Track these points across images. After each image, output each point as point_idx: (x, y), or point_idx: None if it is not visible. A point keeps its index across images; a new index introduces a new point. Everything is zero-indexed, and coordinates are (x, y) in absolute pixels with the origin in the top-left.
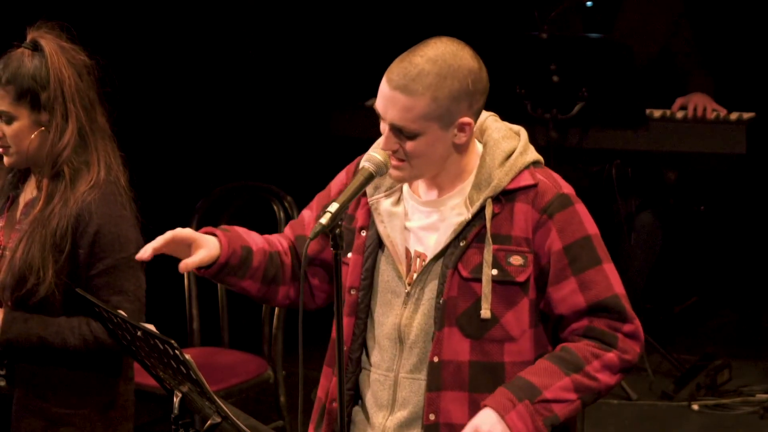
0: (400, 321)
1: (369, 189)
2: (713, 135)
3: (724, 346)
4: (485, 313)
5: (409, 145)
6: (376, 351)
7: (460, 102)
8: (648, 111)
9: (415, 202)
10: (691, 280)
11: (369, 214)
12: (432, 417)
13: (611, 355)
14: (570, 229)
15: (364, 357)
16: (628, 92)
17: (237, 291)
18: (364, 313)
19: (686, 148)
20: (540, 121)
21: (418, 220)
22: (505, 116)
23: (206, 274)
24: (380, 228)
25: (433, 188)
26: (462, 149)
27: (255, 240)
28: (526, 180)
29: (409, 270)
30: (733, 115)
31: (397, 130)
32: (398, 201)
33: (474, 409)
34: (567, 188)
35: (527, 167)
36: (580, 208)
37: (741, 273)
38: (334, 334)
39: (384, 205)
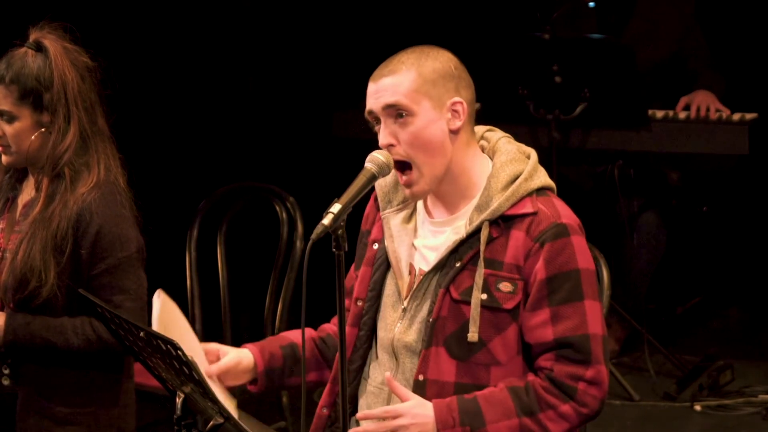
0: (393, 336)
1: (382, 203)
2: (716, 136)
3: (726, 346)
4: (472, 336)
5: (406, 132)
6: (375, 364)
7: (446, 81)
8: (650, 112)
9: (426, 220)
10: (694, 281)
11: (382, 228)
12: None
13: (567, 408)
14: (558, 260)
15: (366, 368)
16: (630, 93)
17: (315, 387)
18: (367, 325)
19: (689, 149)
20: (542, 121)
21: (426, 239)
22: (508, 117)
23: (260, 388)
24: (387, 243)
25: (444, 207)
26: (467, 151)
27: (298, 334)
28: (525, 207)
29: (411, 287)
30: (736, 116)
31: (391, 112)
32: (410, 217)
33: None
34: (568, 219)
35: (530, 194)
36: (577, 241)
37: (744, 274)
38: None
39: (394, 220)
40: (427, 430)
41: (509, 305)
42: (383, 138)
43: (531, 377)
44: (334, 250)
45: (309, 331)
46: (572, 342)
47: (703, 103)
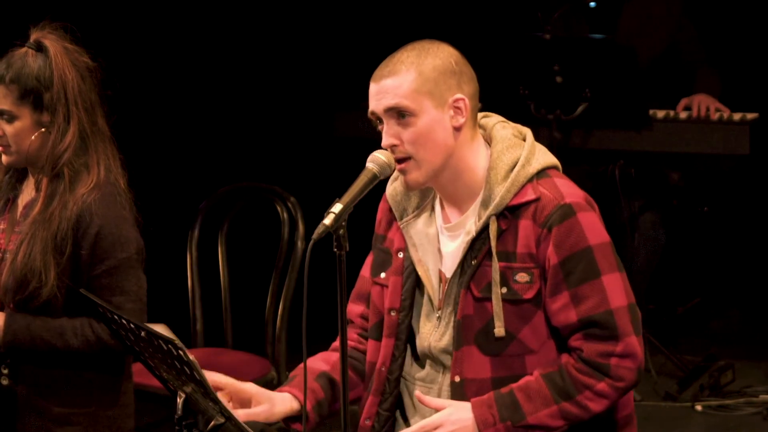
0: (430, 344)
1: (397, 212)
2: (716, 135)
3: (727, 347)
4: (499, 331)
5: (409, 132)
6: (420, 366)
7: (447, 78)
8: (651, 111)
9: (443, 224)
10: (695, 281)
11: (404, 237)
12: None
13: (603, 385)
14: (567, 242)
15: (408, 370)
16: (631, 93)
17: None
18: (404, 333)
19: (689, 149)
20: (543, 121)
21: (445, 245)
22: (509, 117)
23: (312, 424)
24: (412, 252)
25: (455, 207)
26: (471, 146)
27: (326, 358)
28: (528, 195)
29: (443, 294)
30: (737, 116)
31: (393, 114)
32: (430, 221)
33: None
34: (572, 197)
35: (530, 180)
36: (584, 218)
37: (744, 274)
38: (370, 356)
39: (416, 227)
40: (465, 418)
41: (529, 295)
42: (386, 139)
43: (564, 359)
44: (335, 250)
45: (331, 355)
46: (596, 320)
47: (704, 105)
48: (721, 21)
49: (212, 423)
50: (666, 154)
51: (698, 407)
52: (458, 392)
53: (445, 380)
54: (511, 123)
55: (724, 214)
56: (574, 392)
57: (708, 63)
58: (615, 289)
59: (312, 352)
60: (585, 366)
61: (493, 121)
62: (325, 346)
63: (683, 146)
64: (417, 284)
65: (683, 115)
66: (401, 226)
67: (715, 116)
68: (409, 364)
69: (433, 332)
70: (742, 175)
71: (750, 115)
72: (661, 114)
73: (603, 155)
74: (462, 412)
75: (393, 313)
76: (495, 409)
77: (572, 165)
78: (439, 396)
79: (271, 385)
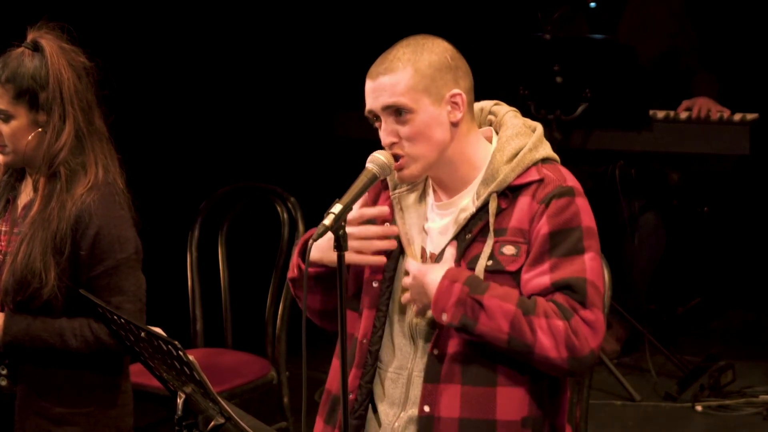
0: (411, 319)
1: (391, 183)
2: (717, 136)
3: (727, 347)
4: None
5: (407, 129)
6: (390, 349)
7: (443, 74)
8: (651, 112)
9: (433, 202)
10: (695, 281)
11: (393, 208)
12: (426, 409)
13: (560, 323)
14: (562, 216)
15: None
16: (632, 93)
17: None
18: (385, 305)
19: (689, 149)
20: (543, 121)
21: (434, 222)
22: None
23: (319, 272)
24: (399, 224)
25: (449, 191)
26: (467, 138)
27: None
28: (532, 176)
29: None
30: (737, 116)
31: (391, 112)
32: (421, 198)
33: (465, 402)
34: (573, 182)
35: (535, 164)
36: (581, 202)
37: (745, 274)
38: (349, 327)
39: (408, 200)
40: (436, 276)
41: (512, 268)
42: (385, 137)
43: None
44: (335, 250)
45: None
46: (570, 283)
47: (705, 107)
48: (722, 21)
49: (212, 423)
50: (666, 154)
51: (698, 407)
52: (433, 365)
53: (415, 365)
54: (521, 116)
55: (724, 214)
56: (533, 312)
57: (708, 70)
58: (594, 269)
59: (312, 352)
60: (552, 303)
61: (505, 109)
62: (325, 346)
63: (683, 146)
64: (399, 258)
65: (683, 115)
66: (392, 196)
67: (716, 116)
68: (381, 350)
69: (414, 307)
70: (742, 175)
71: (750, 116)
72: (661, 114)
73: (603, 155)
74: (434, 271)
75: (375, 284)
76: (464, 274)
77: (572, 165)
78: (407, 382)
79: (271, 385)
